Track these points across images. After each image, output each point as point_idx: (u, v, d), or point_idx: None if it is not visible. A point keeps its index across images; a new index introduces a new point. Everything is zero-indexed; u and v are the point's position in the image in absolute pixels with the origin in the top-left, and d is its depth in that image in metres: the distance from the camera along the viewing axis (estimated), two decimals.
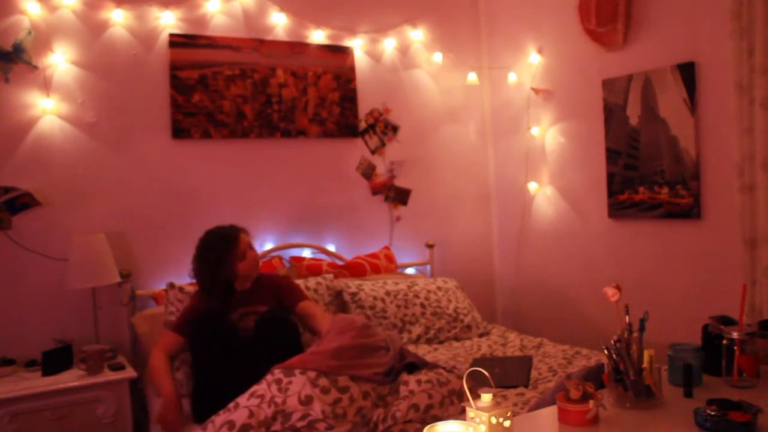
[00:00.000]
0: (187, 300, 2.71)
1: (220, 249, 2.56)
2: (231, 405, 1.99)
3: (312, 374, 2.02)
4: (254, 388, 2.03)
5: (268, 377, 2.04)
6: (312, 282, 3.09)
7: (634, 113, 3.14)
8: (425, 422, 1.95)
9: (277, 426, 1.92)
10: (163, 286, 3.08)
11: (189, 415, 2.35)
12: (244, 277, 2.63)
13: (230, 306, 2.57)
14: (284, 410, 1.94)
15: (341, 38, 3.62)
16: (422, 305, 3.22)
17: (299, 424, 1.92)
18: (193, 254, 2.62)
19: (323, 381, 2.02)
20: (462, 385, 2.12)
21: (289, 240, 3.45)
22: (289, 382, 2.00)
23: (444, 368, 2.22)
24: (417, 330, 3.13)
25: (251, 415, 1.93)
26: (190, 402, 2.39)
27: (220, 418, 1.95)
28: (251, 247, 2.66)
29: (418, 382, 2.08)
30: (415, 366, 2.24)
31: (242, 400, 1.99)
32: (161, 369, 2.43)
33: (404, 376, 2.15)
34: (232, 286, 2.61)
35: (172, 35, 3.14)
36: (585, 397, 1.51)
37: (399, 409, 1.99)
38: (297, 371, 2.04)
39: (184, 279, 3.03)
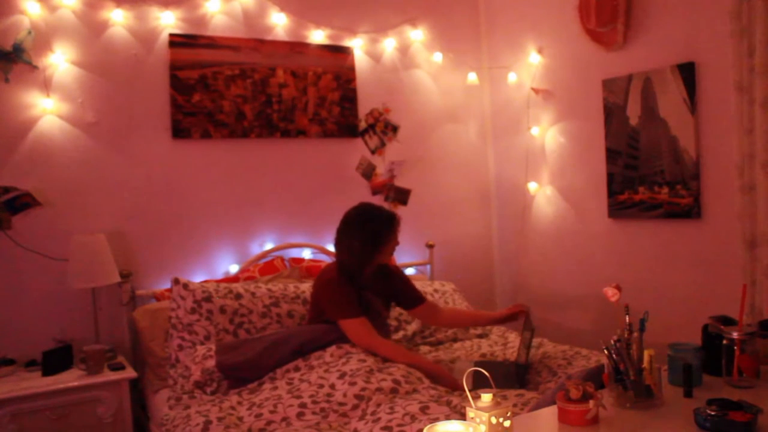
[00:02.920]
0: (333, 287, 2.55)
1: (383, 227, 2.54)
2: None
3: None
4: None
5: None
6: (310, 283, 3.08)
7: (634, 113, 3.14)
8: None
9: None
10: (163, 286, 3.09)
11: None
12: (383, 258, 2.62)
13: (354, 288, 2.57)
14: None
15: (341, 38, 3.62)
16: None
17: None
18: (345, 225, 2.58)
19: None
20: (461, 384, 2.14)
21: (289, 240, 3.45)
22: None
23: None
24: (412, 327, 3.13)
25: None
26: None
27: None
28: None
29: None
30: None
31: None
32: (400, 349, 2.48)
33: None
34: (365, 267, 2.57)
35: (172, 35, 3.14)
36: (585, 397, 1.51)
37: None
38: None
39: (185, 278, 3.03)
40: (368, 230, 2.53)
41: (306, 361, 2.42)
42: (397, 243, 2.65)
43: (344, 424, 2.07)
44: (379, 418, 1.95)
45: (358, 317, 2.47)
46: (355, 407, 2.11)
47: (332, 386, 2.20)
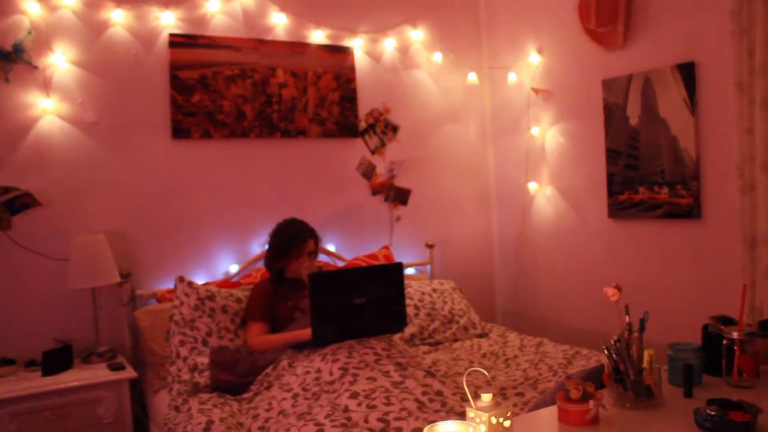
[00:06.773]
0: (252, 292, 2.88)
1: (286, 242, 2.85)
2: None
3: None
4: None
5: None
6: None
7: (634, 113, 3.14)
8: None
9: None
10: (163, 286, 3.10)
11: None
12: (292, 271, 2.86)
13: (284, 290, 2.83)
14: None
15: (341, 38, 3.62)
16: (416, 306, 3.23)
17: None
18: (272, 230, 2.95)
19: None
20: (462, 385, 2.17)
21: None
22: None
23: None
24: (410, 329, 3.14)
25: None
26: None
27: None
28: (310, 255, 2.88)
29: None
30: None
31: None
32: (273, 336, 2.68)
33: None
34: (283, 273, 2.87)
35: (172, 35, 3.14)
36: (585, 397, 1.51)
37: None
38: None
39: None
40: (275, 243, 2.87)
41: (290, 359, 2.51)
42: (309, 255, 2.87)
43: (335, 399, 2.14)
44: (374, 406, 2.03)
45: (256, 321, 2.75)
46: (341, 377, 2.22)
47: (318, 370, 2.31)
